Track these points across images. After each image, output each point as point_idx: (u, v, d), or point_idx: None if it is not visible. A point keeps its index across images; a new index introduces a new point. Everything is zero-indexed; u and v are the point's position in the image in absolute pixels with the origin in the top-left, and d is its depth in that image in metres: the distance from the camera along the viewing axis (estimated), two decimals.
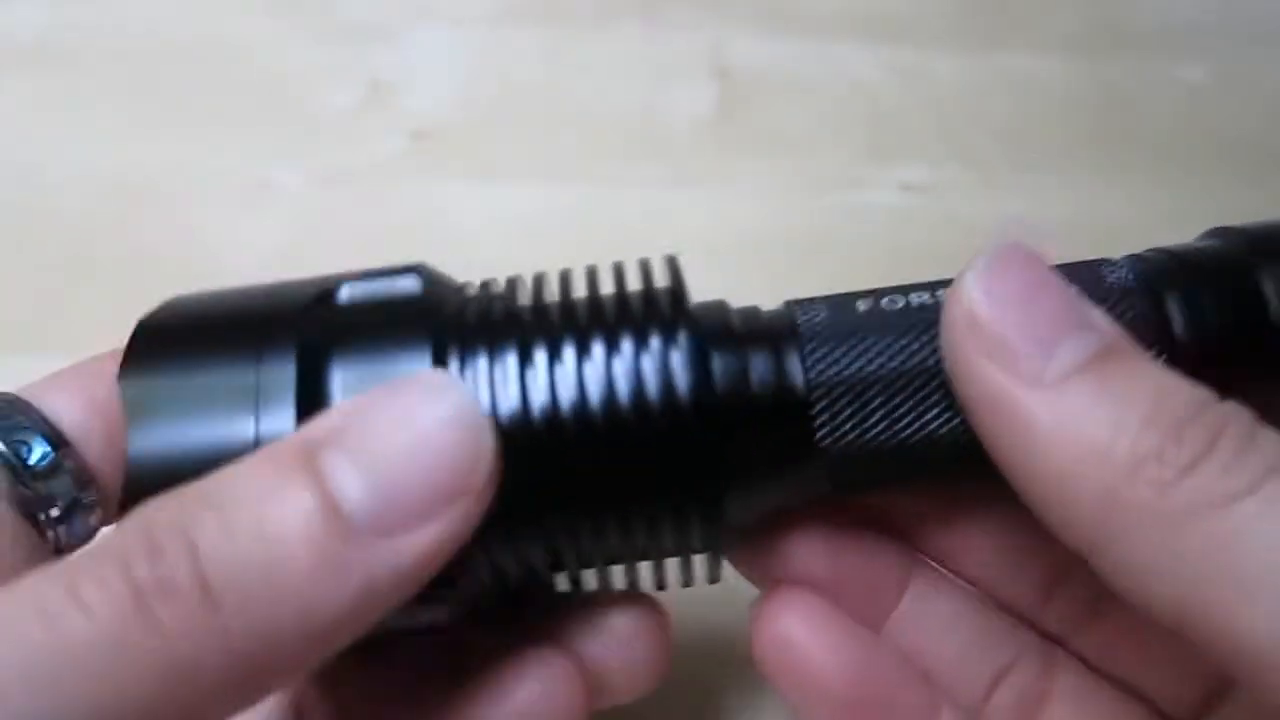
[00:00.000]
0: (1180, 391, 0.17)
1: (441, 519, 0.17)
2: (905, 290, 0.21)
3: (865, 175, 0.40)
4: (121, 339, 0.23)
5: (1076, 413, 0.17)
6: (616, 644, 0.23)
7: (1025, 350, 0.18)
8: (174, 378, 0.19)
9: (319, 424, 0.18)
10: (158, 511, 0.16)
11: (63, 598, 0.15)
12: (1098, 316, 0.18)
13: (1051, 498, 0.17)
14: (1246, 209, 0.23)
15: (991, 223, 0.38)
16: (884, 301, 0.21)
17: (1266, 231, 0.22)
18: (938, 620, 0.24)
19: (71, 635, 0.15)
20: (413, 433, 0.17)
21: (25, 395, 0.21)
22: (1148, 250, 0.22)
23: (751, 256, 0.37)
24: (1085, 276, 0.21)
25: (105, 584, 0.15)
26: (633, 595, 0.23)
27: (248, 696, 0.17)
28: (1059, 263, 0.21)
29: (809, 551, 0.23)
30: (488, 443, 0.18)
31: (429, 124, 0.41)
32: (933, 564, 0.24)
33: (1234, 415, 0.17)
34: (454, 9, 0.44)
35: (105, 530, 0.22)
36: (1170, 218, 0.38)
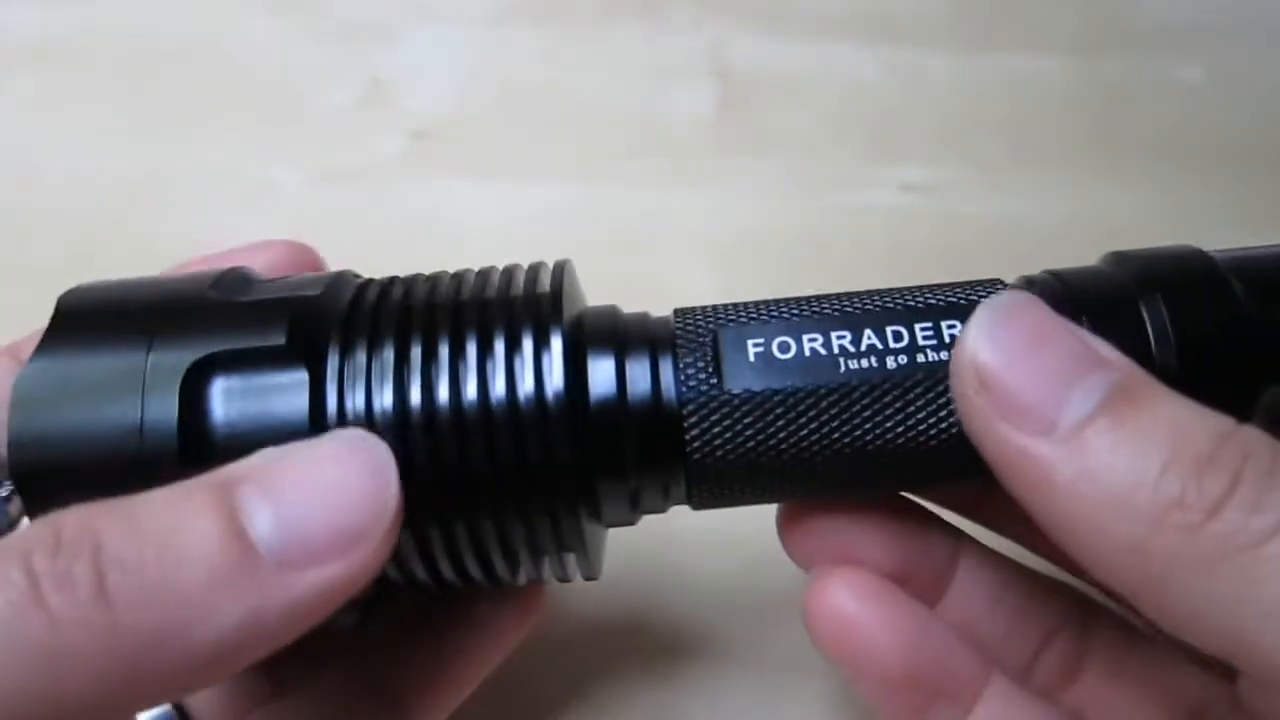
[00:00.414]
0: (1198, 426, 0.17)
1: (342, 561, 0.18)
2: (797, 301, 0.22)
3: (865, 175, 0.40)
4: None
5: (1095, 465, 0.17)
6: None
7: (1038, 406, 0.18)
8: (68, 360, 0.20)
9: (239, 464, 0.19)
10: (69, 514, 0.17)
11: None
12: (1107, 351, 0.18)
13: (1083, 549, 0.18)
14: (1245, 209, 0.23)
15: (991, 223, 0.38)
16: (772, 311, 0.22)
17: (1158, 262, 0.22)
18: (988, 591, 0.24)
19: None
20: (325, 477, 0.18)
21: None
22: (1041, 272, 0.23)
23: (751, 256, 0.37)
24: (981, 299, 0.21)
25: (3, 573, 0.16)
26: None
27: (124, 704, 0.17)
28: (955, 282, 0.22)
29: (865, 533, 0.23)
30: (394, 497, 0.19)
31: (429, 124, 0.41)
32: (977, 541, 0.25)
33: (1254, 448, 0.17)
34: (454, 9, 0.44)
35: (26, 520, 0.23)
36: (1169, 217, 0.38)
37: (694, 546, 0.31)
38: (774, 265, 0.37)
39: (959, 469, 0.21)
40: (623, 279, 0.37)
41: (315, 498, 0.18)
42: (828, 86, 0.42)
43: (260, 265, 0.24)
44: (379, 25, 0.44)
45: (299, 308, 0.21)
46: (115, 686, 0.16)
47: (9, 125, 0.41)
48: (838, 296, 0.22)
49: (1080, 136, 0.41)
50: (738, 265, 0.37)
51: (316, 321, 0.21)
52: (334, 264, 0.38)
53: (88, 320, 0.21)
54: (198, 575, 0.17)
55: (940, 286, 0.22)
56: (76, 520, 0.17)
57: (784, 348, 0.21)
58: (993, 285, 0.22)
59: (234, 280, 0.22)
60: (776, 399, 0.21)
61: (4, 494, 0.22)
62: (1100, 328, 0.20)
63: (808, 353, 0.21)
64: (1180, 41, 0.44)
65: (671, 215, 0.39)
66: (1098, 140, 0.41)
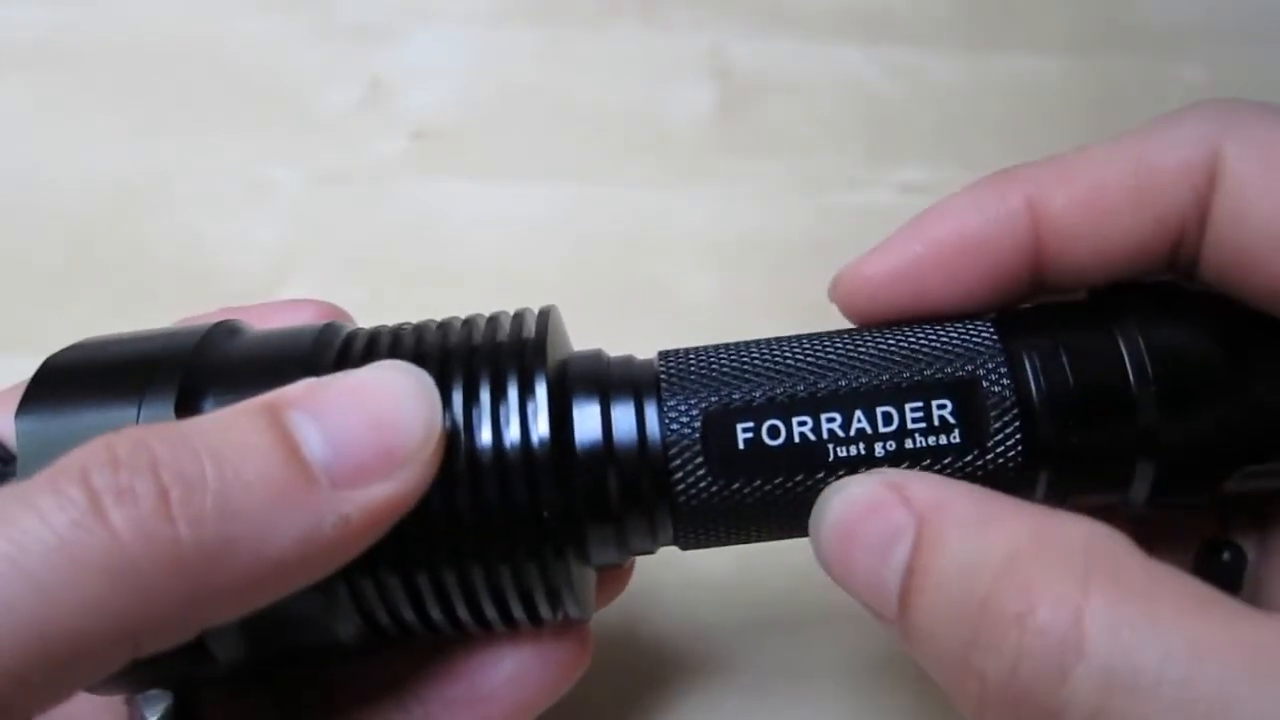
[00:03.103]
0: (983, 569, 0.17)
1: (391, 481, 0.18)
2: (775, 342, 0.22)
3: (865, 175, 0.40)
4: None
5: (921, 638, 0.18)
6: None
7: (868, 599, 0.19)
8: (64, 414, 0.20)
9: (285, 389, 0.19)
10: (120, 434, 0.17)
11: (17, 507, 0.16)
12: (900, 506, 0.19)
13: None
14: None
15: None
16: (750, 351, 0.22)
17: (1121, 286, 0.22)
18: None
19: (21, 539, 0.15)
20: (370, 399, 0.19)
21: None
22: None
23: (751, 256, 0.37)
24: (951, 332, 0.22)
25: (60, 490, 0.16)
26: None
27: (187, 620, 0.17)
28: (945, 326, 0.22)
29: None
30: (437, 417, 0.19)
31: (429, 124, 0.41)
32: None
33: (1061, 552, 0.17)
34: (454, 9, 0.44)
35: None
36: None
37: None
38: (774, 265, 0.37)
39: None
40: (623, 279, 0.38)
41: (362, 419, 0.18)
42: (828, 86, 0.42)
43: (288, 324, 0.24)
44: (379, 25, 0.44)
45: (284, 361, 0.21)
46: (179, 603, 0.16)
47: (9, 125, 0.41)
48: (828, 344, 0.22)
49: (1080, 137, 0.41)
50: (738, 265, 0.37)
51: (302, 373, 0.21)
52: (334, 264, 0.38)
53: (78, 375, 0.21)
54: (257, 491, 0.17)
55: (929, 339, 0.22)
56: (130, 439, 0.17)
57: (773, 433, 0.21)
58: (980, 328, 0.22)
59: (223, 333, 0.22)
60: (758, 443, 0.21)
61: None
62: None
63: (797, 439, 0.21)
64: (1180, 41, 0.44)
65: (671, 215, 0.39)
66: (1097, 140, 0.41)
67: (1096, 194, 0.22)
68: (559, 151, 0.41)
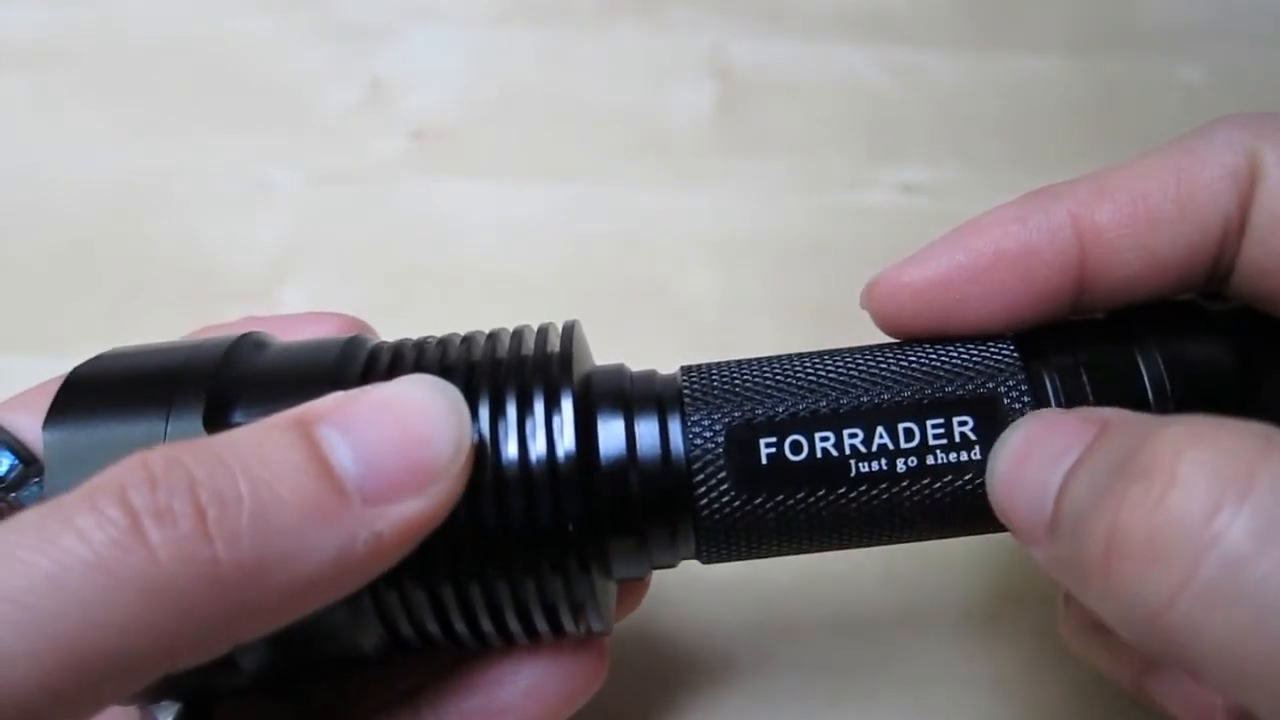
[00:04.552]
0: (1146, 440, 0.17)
1: (421, 497, 0.18)
2: (798, 357, 0.22)
3: (865, 175, 0.40)
4: (121, 340, 0.23)
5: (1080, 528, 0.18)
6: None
7: (1027, 526, 0.19)
8: (91, 426, 0.20)
9: (314, 403, 0.19)
10: (154, 452, 0.17)
11: (57, 525, 0.16)
12: (1085, 420, 0.19)
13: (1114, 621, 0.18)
14: None
15: None
16: (772, 367, 0.22)
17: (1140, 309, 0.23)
18: None
19: (62, 558, 0.15)
20: (399, 414, 0.19)
21: None
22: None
23: (751, 256, 0.37)
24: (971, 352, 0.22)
25: (99, 509, 0.16)
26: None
27: (222, 637, 0.17)
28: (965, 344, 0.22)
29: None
30: (467, 433, 0.19)
31: (429, 124, 0.41)
32: None
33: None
34: (454, 9, 0.44)
35: None
36: None
37: None
38: (774, 265, 0.37)
39: (973, 523, 0.22)
40: (623, 279, 0.38)
41: (393, 434, 0.19)
42: (828, 86, 0.42)
43: (311, 335, 0.24)
44: (379, 25, 0.44)
45: (311, 373, 0.21)
46: (215, 621, 0.17)
47: (9, 125, 0.41)
48: (850, 360, 0.22)
49: (1080, 136, 0.41)
50: (737, 265, 0.37)
51: (330, 387, 0.21)
52: (334, 264, 0.38)
53: (106, 386, 0.21)
54: (292, 509, 0.17)
55: (950, 356, 0.22)
56: (165, 457, 0.17)
57: (796, 448, 0.21)
58: (1001, 347, 0.22)
59: (249, 345, 0.22)
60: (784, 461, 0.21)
61: None
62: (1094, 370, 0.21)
63: (819, 454, 0.21)
64: (1180, 41, 0.44)
65: (671, 215, 0.39)
66: (1097, 140, 0.41)
67: (1140, 206, 0.22)
68: (559, 151, 0.41)
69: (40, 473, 0.21)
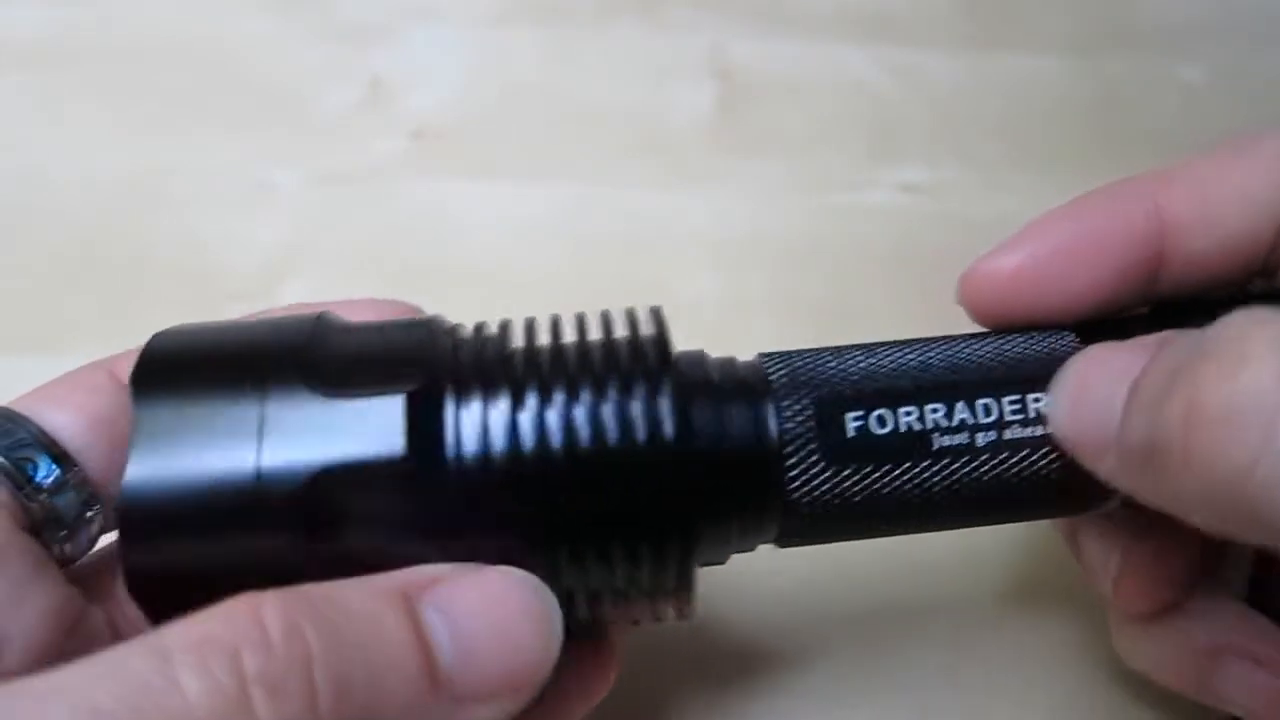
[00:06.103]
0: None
1: (504, 701, 0.18)
2: (873, 345, 0.23)
3: (865, 175, 0.40)
4: (121, 340, 0.23)
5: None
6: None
7: (1094, 438, 0.20)
8: (181, 402, 0.19)
9: (411, 574, 0.19)
10: (268, 604, 0.17)
11: (162, 683, 0.15)
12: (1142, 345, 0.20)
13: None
14: None
15: (991, 223, 0.38)
16: (850, 353, 0.22)
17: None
18: None
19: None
20: (501, 611, 0.19)
21: (20, 409, 0.21)
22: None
23: (751, 256, 0.37)
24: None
25: (208, 672, 0.15)
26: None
27: None
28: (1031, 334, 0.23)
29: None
30: (558, 641, 0.19)
31: (429, 124, 0.41)
32: None
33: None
34: (454, 9, 0.44)
35: (106, 538, 0.22)
36: None
37: None
38: (774, 265, 0.37)
39: (1047, 502, 0.23)
40: (623, 279, 0.38)
41: (491, 631, 0.18)
42: (828, 86, 0.42)
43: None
44: (379, 25, 0.44)
45: (405, 353, 0.21)
46: None
47: (9, 125, 0.41)
48: (924, 347, 0.23)
49: (1080, 137, 0.41)
50: (737, 265, 0.37)
51: (430, 367, 0.20)
52: (334, 264, 0.38)
53: (193, 361, 0.20)
54: (397, 700, 0.17)
55: (1017, 344, 0.23)
56: (283, 618, 0.16)
57: (881, 422, 0.21)
58: (1064, 335, 0.23)
59: (331, 325, 0.22)
60: (872, 441, 0.21)
61: (90, 515, 0.22)
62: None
63: (903, 429, 0.21)
64: (1180, 41, 0.44)
65: (671, 215, 0.39)
66: (1097, 140, 0.41)
67: (1209, 190, 0.23)
68: (559, 151, 0.41)
69: (70, 469, 0.21)
